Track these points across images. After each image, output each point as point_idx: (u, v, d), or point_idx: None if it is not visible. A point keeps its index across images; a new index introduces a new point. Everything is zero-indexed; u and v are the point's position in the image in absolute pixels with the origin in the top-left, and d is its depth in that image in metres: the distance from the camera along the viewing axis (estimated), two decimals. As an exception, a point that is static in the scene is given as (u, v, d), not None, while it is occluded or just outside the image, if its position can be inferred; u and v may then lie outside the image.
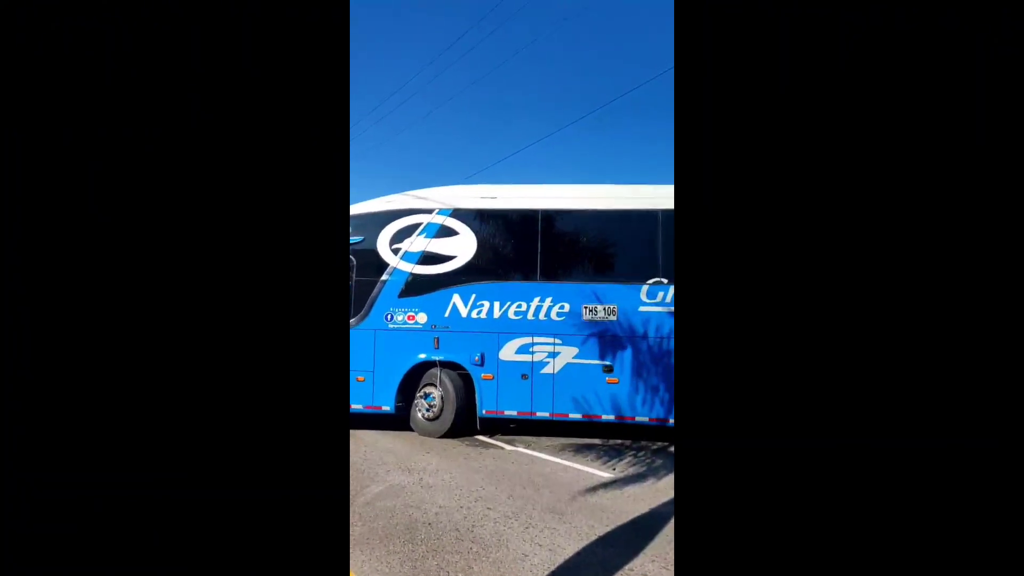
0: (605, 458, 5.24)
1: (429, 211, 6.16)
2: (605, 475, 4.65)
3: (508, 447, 5.73)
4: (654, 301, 5.49)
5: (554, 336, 5.62)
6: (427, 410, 5.97)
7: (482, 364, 5.79)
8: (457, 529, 3.34)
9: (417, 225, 6.12)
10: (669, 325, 5.46)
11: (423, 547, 3.06)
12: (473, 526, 3.40)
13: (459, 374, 5.91)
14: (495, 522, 3.48)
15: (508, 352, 5.72)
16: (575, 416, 5.61)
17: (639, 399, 5.46)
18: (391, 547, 3.08)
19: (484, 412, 5.78)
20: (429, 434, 5.91)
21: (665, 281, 5.48)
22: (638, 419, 5.48)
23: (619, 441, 5.97)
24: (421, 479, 4.46)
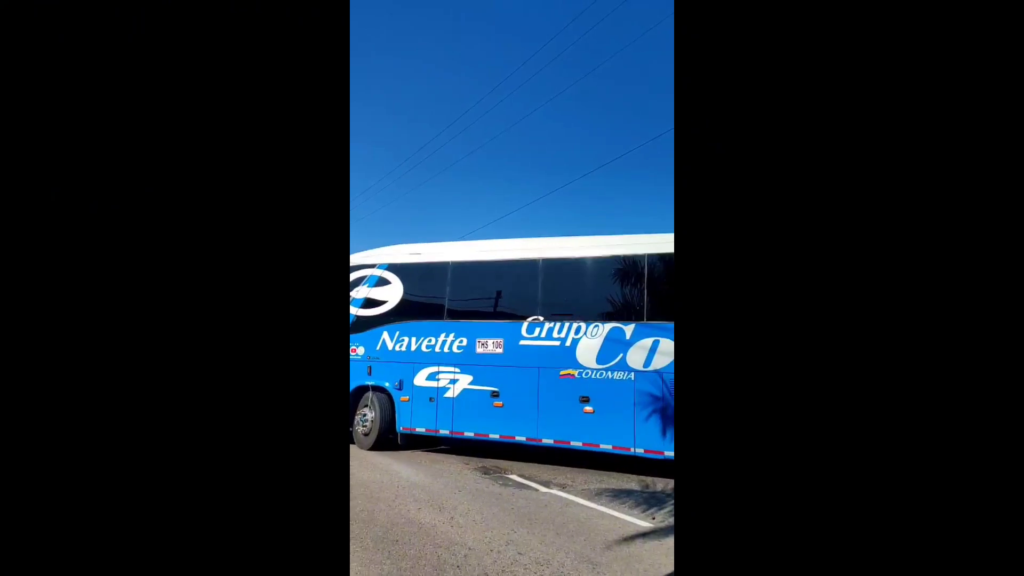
0: (644, 506, 4.97)
1: (373, 266, 7.60)
2: (644, 524, 4.39)
3: (543, 488, 5.54)
4: (532, 336, 6.40)
5: (454, 366, 6.76)
6: (363, 426, 7.29)
7: (401, 388, 7.12)
8: (486, 574, 3.18)
9: (363, 277, 7.59)
10: (544, 356, 6.31)
11: (450, 591, 2.91)
12: (502, 571, 3.24)
13: (386, 397, 7.23)
14: (525, 568, 3.30)
15: (420, 379, 6.98)
16: (469, 434, 6.65)
17: (519, 421, 6.34)
18: (417, 589, 2.93)
19: (402, 428, 7.06)
20: (363, 447, 7.19)
21: (542, 319, 6.40)
22: (517, 438, 6.38)
23: (660, 488, 5.67)
24: (452, 518, 4.32)
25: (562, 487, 5.61)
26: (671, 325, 5.76)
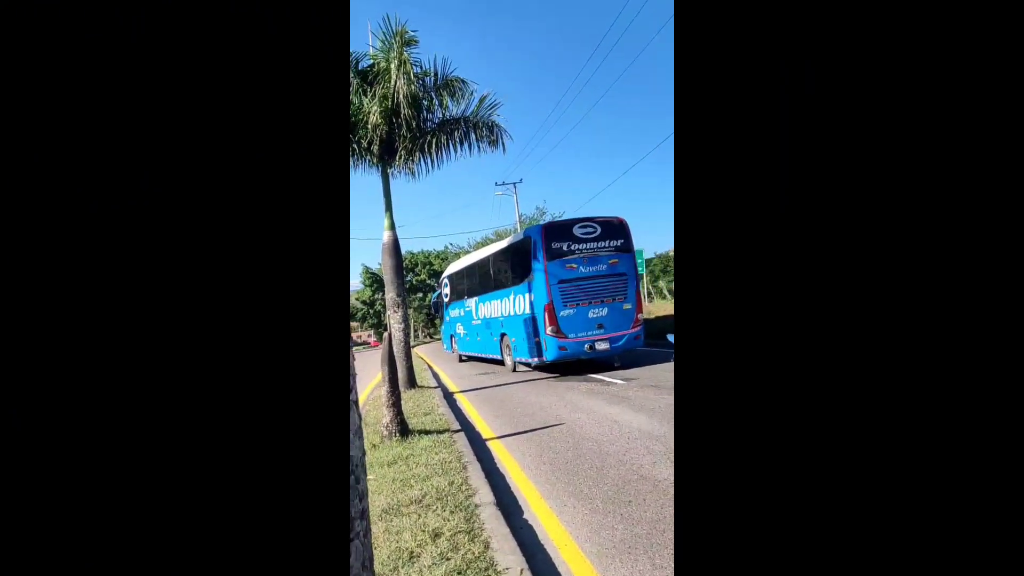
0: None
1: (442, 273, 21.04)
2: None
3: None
4: (462, 307, 16.04)
5: (460, 323, 16.47)
6: (455, 352, 18.02)
7: (455, 334, 17.19)
8: (741, 541, 2.89)
9: (444, 282, 18.63)
10: (468, 315, 15.45)
11: (696, 563, 2.72)
12: (763, 539, 2.90)
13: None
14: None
15: (455, 329, 17.04)
16: (467, 353, 16.40)
17: (470, 347, 15.72)
18: (656, 561, 2.84)
19: (458, 352, 17.22)
20: (458, 359, 17.59)
21: (466, 297, 15.62)
22: (472, 354, 15.71)
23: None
24: (694, 472, 4.07)
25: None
26: (482, 296, 13.83)
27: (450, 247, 44.77)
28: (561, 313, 10.15)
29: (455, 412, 7.76)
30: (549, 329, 10.17)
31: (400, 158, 10.08)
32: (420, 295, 43.44)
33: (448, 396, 9.58)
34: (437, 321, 27.69)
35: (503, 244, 12.94)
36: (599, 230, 10.74)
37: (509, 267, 12.17)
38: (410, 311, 36.78)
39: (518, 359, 11.71)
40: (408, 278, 42.94)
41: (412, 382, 10.36)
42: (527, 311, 10.85)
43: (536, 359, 10.62)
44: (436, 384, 11.20)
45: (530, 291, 10.75)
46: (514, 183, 28.32)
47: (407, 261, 43.67)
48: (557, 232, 10.57)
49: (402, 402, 6.49)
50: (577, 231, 10.52)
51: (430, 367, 15.77)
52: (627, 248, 10.87)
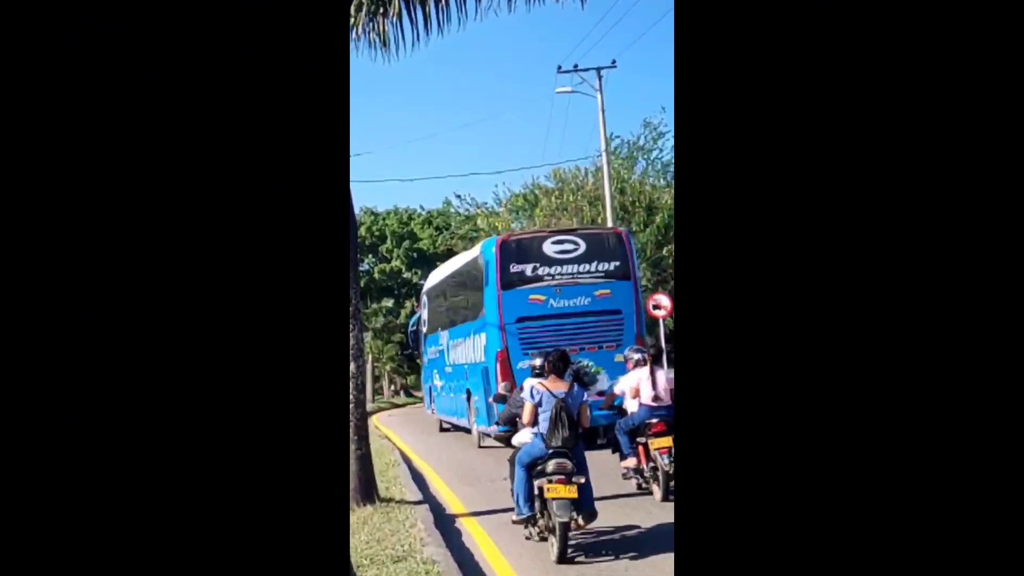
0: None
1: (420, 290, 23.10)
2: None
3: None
4: (435, 344, 17.14)
5: (436, 369, 17.27)
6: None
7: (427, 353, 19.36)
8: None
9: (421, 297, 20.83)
10: (440, 358, 16.19)
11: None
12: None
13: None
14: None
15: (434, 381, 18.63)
16: (448, 419, 16.70)
17: (447, 409, 16.79)
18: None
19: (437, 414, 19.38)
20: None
21: (439, 330, 16.31)
22: (449, 419, 16.67)
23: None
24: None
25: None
26: (452, 331, 14.73)
27: (456, 204, 31.41)
28: (520, 365, 10.64)
29: (460, 559, 6.29)
30: (502, 386, 10.55)
31: (363, 10, 8.54)
32: (389, 304, 33.78)
33: (443, 522, 7.72)
34: (418, 360, 22.16)
35: (463, 257, 14.48)
36: (583, 247, 11.37)
37: (465, 294, 13.43)
38: (367, 335, 28.76)
39: (479, 428, 12.59)
40: (366, 267, 34.07)
41: (368, 491, 8.22)
42: (481, 359, 11.89)
43: (493, 427, 11.21)
44: (419, 497, 9.03)
45: (482, 331, 11.86)
46: (597, 69, 21.58)
47: (367, 232, 33.68)
48: (519, 249, 11.49)
49: (350, 537, 4.77)
50: (550, 248, 11.35)
51: (405, 458, 12.46)
52: (624, 273, 11.40)
